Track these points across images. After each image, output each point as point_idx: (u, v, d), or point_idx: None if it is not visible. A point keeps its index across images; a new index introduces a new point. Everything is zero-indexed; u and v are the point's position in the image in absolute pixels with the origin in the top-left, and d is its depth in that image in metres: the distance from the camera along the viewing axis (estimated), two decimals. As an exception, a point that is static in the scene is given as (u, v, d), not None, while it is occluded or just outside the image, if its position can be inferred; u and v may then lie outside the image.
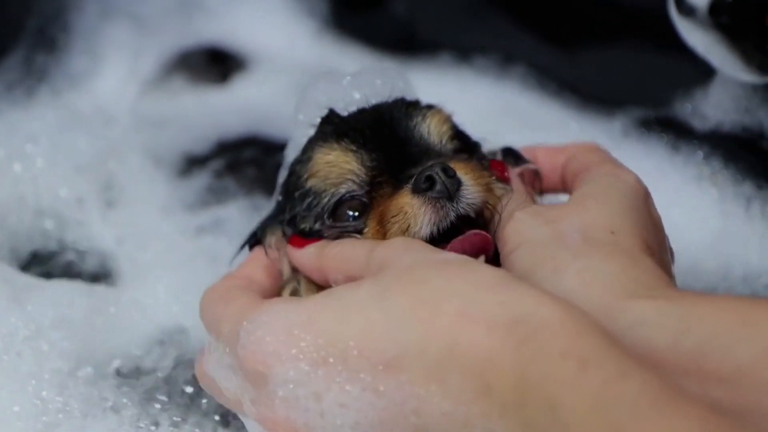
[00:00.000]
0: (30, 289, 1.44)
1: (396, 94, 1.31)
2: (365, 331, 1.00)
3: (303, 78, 1.96)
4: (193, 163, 1.77)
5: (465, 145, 1.30)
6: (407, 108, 1.28)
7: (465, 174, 1.18)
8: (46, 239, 1.60)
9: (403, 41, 2.09)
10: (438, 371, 0.96)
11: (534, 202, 1.26)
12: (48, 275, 1.53)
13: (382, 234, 1.18)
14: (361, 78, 1.33)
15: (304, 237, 1.24)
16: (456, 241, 1.15)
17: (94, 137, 1.73)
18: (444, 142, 1.26)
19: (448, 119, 1.29)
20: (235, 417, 1.26)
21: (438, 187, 1.15)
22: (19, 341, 1.35)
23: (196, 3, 2.10)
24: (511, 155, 1.33)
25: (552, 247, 1.09)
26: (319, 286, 1.19)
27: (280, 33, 2.12)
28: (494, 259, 1.16)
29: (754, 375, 0.94)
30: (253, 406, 1.07)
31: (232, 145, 1.81)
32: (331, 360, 1.01)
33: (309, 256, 1.20)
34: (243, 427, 1.18)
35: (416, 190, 1.16)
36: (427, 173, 1.15)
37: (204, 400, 1.32)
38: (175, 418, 1.30)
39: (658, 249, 1.15)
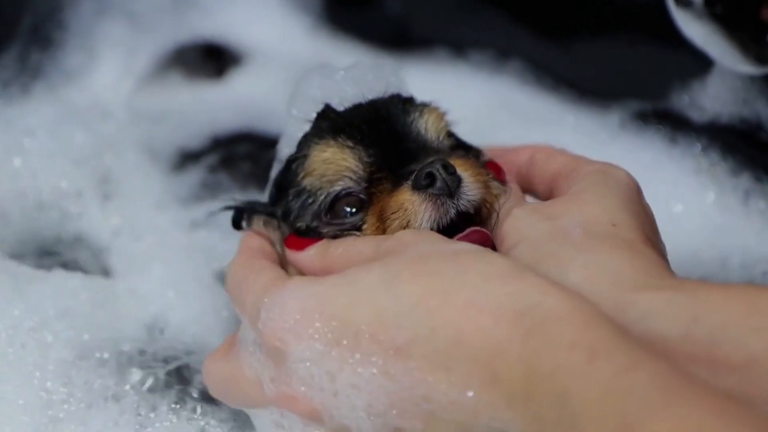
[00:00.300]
0: (32, 280, 1.45)
1: (389, 89, 1.30)
2: (376, 316, 1.01)
3: (298, 73, 1.96)
4: (187, 158, 1.77)
5: (460, 143, 1.29)
6: (404, 104, 1.27)
7: (464, 171, 1.18)
8: (45, 232, 1.60)
9: (397, 37, 2.09)
10: (445, 360, 0.97)
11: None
12: (47, 267, 1.53)
13: (382, 230, 1.18)
14: (355, 73, 1.32)
15: (300, 236, 1.23)
16: (455, 239, 1.15)
17: (90, 132, 1.73)
18: (441, 138, 1.26)
19: (444, 116, 1.28)
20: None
21: (438, 183, 1.15)
22: (23, 333, 1.35)
23: (191, -1, 2.10)
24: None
25: (554, 243, 1.09)
26: None
27: (274, 29, 2.12)
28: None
29: (766, 363, 0.94)
30: (272, 384, 1.08)
31: (226, 140, 1.81)
32: (345, 342, 1.02)
33: (311, 258, 1.19)
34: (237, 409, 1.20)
35: (416, 187, 1.16)
36: (428, 170, 1.15)
37: (201, 386, 1.33)
38: (173, 405, 1.30)
39: (655, 241, 1.15)
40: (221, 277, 1.44)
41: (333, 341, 1.02)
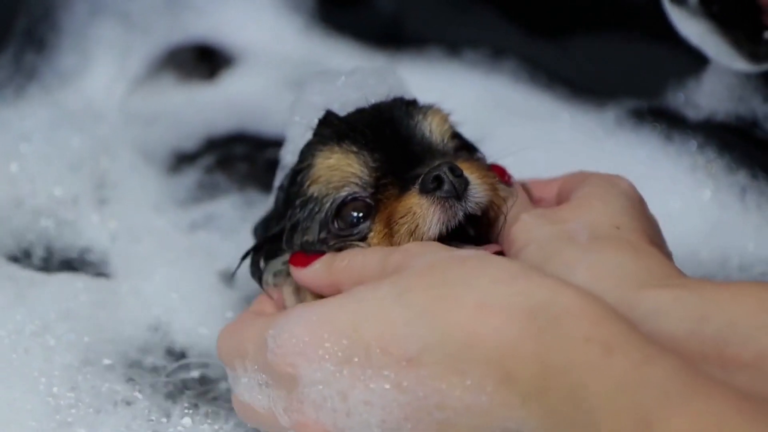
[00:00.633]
0: (33, 284, 1.45)
1: (391, 93, 1.30)
2: (386, 329, 1.01)
3: (291, 74, 1.97)
4: (182, 160, 1.77)
5: (464, 144, 1.29)
6: (407, 107, 1.27)
7: (471, 173, 1.18)
8: (44, 237, 1.60)
9: (390, 36, 2.09)
10: (458, 364, 0.97)
11: None
12: (48, 271, 1.53)
13: (390, 236, 1.18)
14: (356, 78, 1.32)
15: (305, 253, 1.22)
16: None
17: (85, 136, 1.73)
18: (445, 141, 1.26)
19: (447, 118, 1.28)
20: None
21: (446, 186, 1.15)
22: (26, 337, 1.35)
23: (184, 1, 2.09)
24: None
25: (560, 245, 1.10)
26: None
27: (267, 29, 2.12)
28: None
29: None
30: (285, 414, 1.08)
31: (221, 141, 1.80)
32: (356, 359, 1.02)
33: (317, 272, 1.18)
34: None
35: (424, 191, 1.16)
36: (435, 173, 1.15)
37: (214, 388, 1.33)
38: (186, 409, 1.29)
39: (660, 244, 1.16)
40: (224, 278, 1.45)
41: (344, 360, 1.03)
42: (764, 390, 0.93)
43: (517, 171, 1.32)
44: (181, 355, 1.39)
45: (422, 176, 1.16)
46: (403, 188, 1.18)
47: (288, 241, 1.26)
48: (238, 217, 1.58)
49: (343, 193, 1.21)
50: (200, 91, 1.96)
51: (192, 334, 1.42)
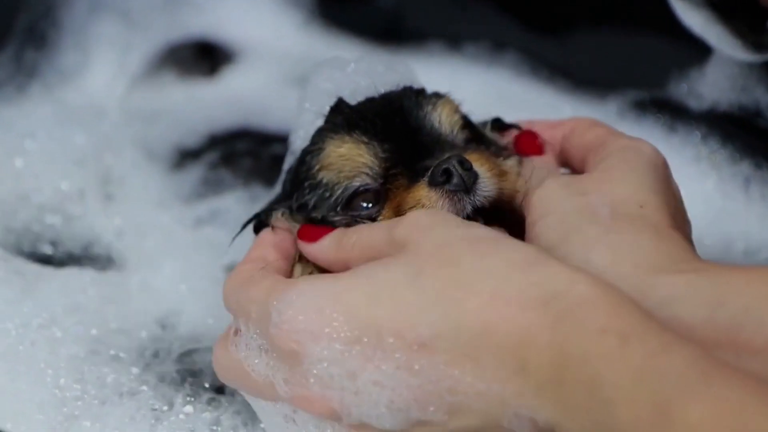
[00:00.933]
0: (40, 278, 1.45)
1: (401, 80, 1.30)
2: (398, 312, 1.00)
3: (292, 69, 1.97)
4: (186, 156, 1.77)
5: (475, 134, 1.29)
6: (417, 97, 1.27)
7: (481, 166, 1.17)
8: (50, 233, 1.59)
9: (391, 31, 2.09)
10: (472, 352, 0.96)
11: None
12: (54, 266, 1.53)
13: None
14: (366, 64, 1.32)
15: (313, 225, 1.22)
16: None
17: (88, 133, 1.72)
18: (455, 131, 1.25)
19: (458, 108, 1.28)
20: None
21: (455, 180, 1.14)
22: (33, 330, 1.35)
23: (183, -3, 2.10)
24: (498, 125, 1.34)
25: (581, 221, 1.09)
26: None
27: (267, 25, 2.12)
28: (518, 227, 1.16)
29: None
30: (286, 386, 1.06)
31: (224, 137, 1.80)
32: (365, 339, 1.01)
33: (326, 248, 1.17)
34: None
35: (433, 183, 1.15)
36: (444, 166, 1.14)
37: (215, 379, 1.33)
38: (188, 398, 1.29)
39: (681, 222, 1.15)
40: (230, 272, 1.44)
41: (353, 339, 1.01)
42: None
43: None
44: (186, 345, 1.39)
45: (431, 169, 1.16)
46: (412, 179, 1.18)
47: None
48: (243, 212, 1.57)
49: (356, 183, 1.21)
50: (201, 88, 1.96)
51: (199, 326, 1.42)
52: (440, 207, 1.15)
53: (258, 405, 1.16)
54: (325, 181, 1.22)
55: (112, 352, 1.35)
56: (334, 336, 1.01)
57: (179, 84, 1.97)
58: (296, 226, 1.23)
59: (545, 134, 1.30)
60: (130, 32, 2.01)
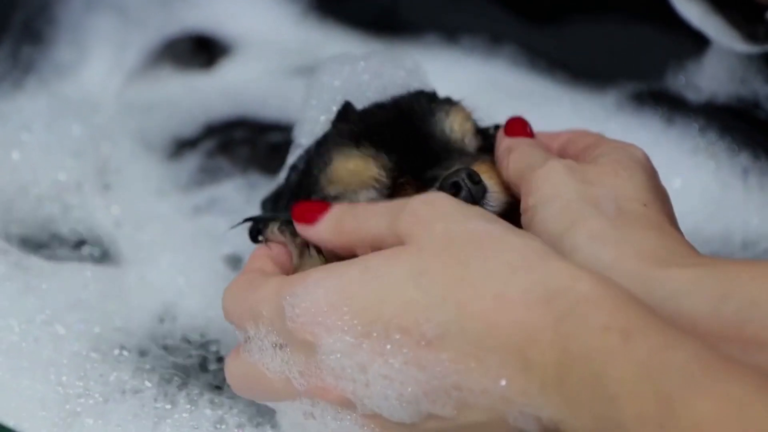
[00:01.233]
0: (42, 273, 1.45)
1: (408, 77, 1.29)
2: (405, 310, 1.00)
3: (289, 61, 1.97)
4: (183, 145, 1.76)
5: (486, 141, 1.28)
6: (428, 104, 1.26)
7: (490, 179, 1.17)
8: (49, 224, 1.60)
9: (387, 22, 2.08)
10: (477, 351, 0.96)
11: None
12: (54, 259, 1.53)
13: None
14: (373, 61, 1.31)
15: (307, 201, 1.20)
16: None
17: (85, 125, 1.72)
18: (467, 140, 1.25)
19: (470, 115, 1.27)
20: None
21: (463, 194, 1.13)
22: (36, 326, 1.35)
23: (179, -9, 2.09)
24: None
25: (586, 211, 1.08)
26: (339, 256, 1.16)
27: (263, 17, 2.12)
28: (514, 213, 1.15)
29: None
30: (302, 378, 1.07)
31: (221, 126, 1.79)
32: (375, 335, 1.01)
33: (325, 231, 1.15)
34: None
35: None
36: (453, 179, 1.14)
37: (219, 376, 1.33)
38: (192, 396, 1.29)
39: (673, 218, 1.16)
40: (231, 263, 1.45)
41: (363, 333, 1.02)
42: None
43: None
44: (188, 340, 1.39)
45: (440, 181, 1.15)
46: (420, 190, 1.17)
47: None
48: (242, 199, 1.58)
49: (362, 198, 1.20)
50: (198, 80, 1.96)
51: (200, 318, 1.42)
52: None
53: (277, 407, 1.17)
54: (333, 195, 1.21)
55: (114, 349, 1.35)
56: (346, 329, 1.02)
57: (176, 77, 1.97)
58: (295, 242, 1.23)
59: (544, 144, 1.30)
60: (127, 27, 2.01)
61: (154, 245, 1.54)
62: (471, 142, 1.25)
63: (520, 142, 1.23)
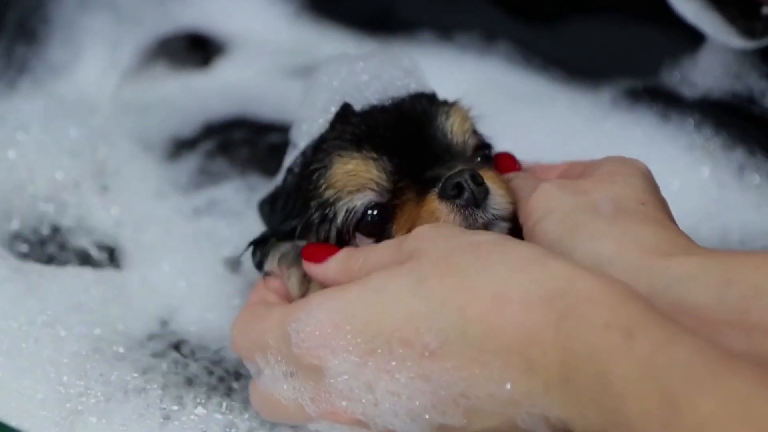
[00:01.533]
0: (42, 275, 1.45)
1: (407, 78, 1.29)
2: (406, 321, 1.01)
3: (286, 60, 1.97)
4: (182, 146, 1.75)
5: (482, 141, 1.28)
6: (428, 105, 1.26)
7: (492, 182, 1.17)
8: (47, 225, 1.59)
9: (382, 21, 2.08)
10: (480, 355, 0.97)
11: None
12: (54, 261, 1.53)
13: None
14: (372, 62, 1.31)
15: (319, 244, 1.22)
16: None
17: (81, 126, 1.72)
18: (466, 140, 1.25)
19: (469, 116, 1.27)
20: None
21: (466, 195, 1.14)
22: (37, 328, 1.35)
23: (173, -10, 2.09)
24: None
25: (585, 216, 1.10)
26: None
27: (258, 16, 2.12)
28: (516, 232, 1.16)
29: None
30: (313, 404, 1.09)
31: (220, 126, 1.78)
32: (379, 351, 1.02)
33: (332, 271, 1.17)
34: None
35: (443, 196, 1.15)
36: (456, 180, 1.14)
37: (227, 377, 1.33)
38: (199, 399, 1.29)
39: (675, 223, 1.16)
40: (231, 265, 1.44)
41: (367, 351, 1.03)
42: None
43: (516, 154, 1.31)
44: (191, 342, 1.39)
45: (443, 182, 1.15)
46: (421, 191, 1.17)
47: (301, 239, 1.25)
48: (242, 201, 1.57)
49: (362, 200, 1.20)
50: (195, 79, 1.96)
51: (201, 322, 1.42)
52: (452, 221, 1.14)
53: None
54: (331, 199, 1.21)
55: (115, 349, 1.35)
56: (350, 349, 1.04)
57: (172, 76, 1.97)
58: (294, 271, 1.23)
59: (543, 175, 1.30)
60: (121, 26, 2.01)
61: (155, 248, 1.54)
62: (469, 141, 1.25)
63: (511, 177, 1.24)
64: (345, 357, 1.03)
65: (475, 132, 1.27)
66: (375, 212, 1.20)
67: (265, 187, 1.39)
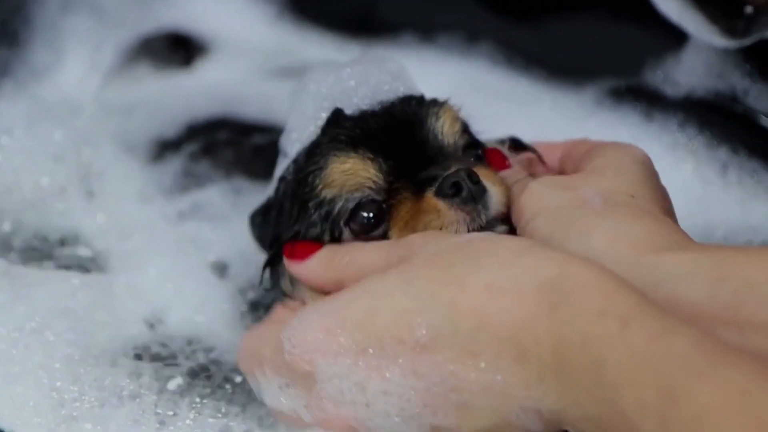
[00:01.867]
0: (31, 281, 1.44)
1: (394, 82, 1.29)
2: (397, 318, 1.01)
3: (267, 61, 1.97)
4: (166, 148, 1.75)
5: (472, 139, 1.29)
6: (418, 108, 1.26)
7: (488, 180, 1.17)
8: (34, 229, 1.58)
9: (364, 22, 2.08)
10: (472, 346, 0.97)
11: None
12: (42, 266, 1.52)
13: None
14: (359, 68, 1.31)
15: (299, 241, 1.22)
16: None
17: (65, 129, 1.71)
18: (456, 140, 1.25)
19: (459, 116, 1.28)
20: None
21: (464, 194, 1.14)
22: (26, 334, 1.34)
23: (154, -10, 2.09)
24: (515, 144, 1.34)
25: (576, 211, 1.10)
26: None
27: (239, 16, 2.12)
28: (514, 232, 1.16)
29: None
30: (308, 411, 1.08)
31: (203, 127, 1.77)
32: (370, 350, 1.02)
33: (314, 269, 1.18)
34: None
35: (441, 195, 1.15)
36: (454, 179, 1.14)
37: (219, 381, 1.33)
38: (194, 404, 1.28)
39: (672, 214, 1.16)
40: (218, 269, 1.44)
41: (358, 352, 1.03)
42: None
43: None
44: (181, 347, 1.38)
45: (440, 180, 1.16)
46: (417, 191, 1.18)
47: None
48: (227, 204, 1.57)
49: (357, 196, 1.20)
50: (177, 79, 1.96)
51: (189, 326, 1.41)
52: (452, 216, 1.15)
53: None
54: (328, 198, 1.21)
55: (105, 355, 1.34)
56: (341, 351, 1.03)
57: (154, 76, 1.96)
58: (308, 295, 1.23)
59: (546, 157, 1.32)
60: (103, 27, 2.00)
61: (141, 252, 1.53)
62: (460, 140, 1.25)
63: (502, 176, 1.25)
64: (336, 359, 1.03)
65: (465, 131, 1.27)
66: (371, 210, 1.19)
67: (251, 190, 1.39)
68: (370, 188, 1.20)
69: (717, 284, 0.98)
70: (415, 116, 1.25)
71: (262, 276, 1.28)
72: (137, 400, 1.27)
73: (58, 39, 1.96)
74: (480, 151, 1.27)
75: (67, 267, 1.52)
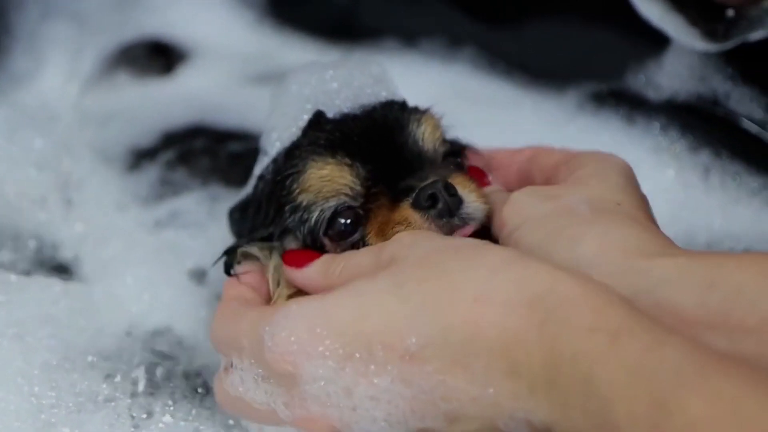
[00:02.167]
0: (10, 287, 1.44)
1: (376, 85, 1.29)
2: (387, 324, 1.00)
3: (247, 67, 1.96)
4: (142, 156, 1.74)
5: (453, 148, 1.28)
6: (399, 113, 1.26)
7: (464, 189, 1.17)
8: (14, 237, 1.57)
9: (345, 27, 2.08)
10: (462, 357, 0.96)
11: None
12: (24, 273, 1.51)
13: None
14: (342, 70, 1.31)
15: (300, 250, 1.21)
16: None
17: (44, 137, 1.71)
18: (437, 147, 1.25)
19: (440, 124, 1.27)
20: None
21: (440, 206, 1.14)
22: (8, 339, 1.34)
23: (134, -3, 2.08)
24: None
25: (562, 219, 1.09)
26: None
27: (219, 23, 2.11)
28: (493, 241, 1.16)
29: None
30: (287, 409, 1.07)
31: (180, 135, 1.77)
32: (357, 355, 1.01)
33: (312, 276, 1.16)
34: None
35: (417, 206, 1.15)
36: (430, 191, 1.14)
37: (194, 385, 1.33)
38: (167, 407, 1.28)
39: (654, 222, 1.16)
40: (195, 277, 1.43)
41: (345, 356, 1.01)
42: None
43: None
44: (158, 353, 1.38)
45: (417, 192, 1.16)
46: (395, 199, 1.18)
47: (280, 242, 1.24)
48: (204, 212, 1.56)
49: (333, 203, 1.19)
50: (155, 87, 1.95)
51: (167, 332, 1.41)
52: (427, 226, 1.15)
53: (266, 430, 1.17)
54: (304, 203, 1.21)
55: (84, 360, 1.34)
56: (327, 354, 1.02)
57: (133, 84, 1.96)
58: (274, 258, 1.22)
59: (507, 160, 1.31)
60: (82, 34, 2.00)
61: (119, 260, 1.53)
62: (440, 149, 1.25)
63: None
64: (321, 362, 1.02)
65: (445, 139, 1.26)
66: (348, 217, 1.19)
67: (227, 197, 1.38)
68: (346, 195, 1.19)
69: (707, 290, 0.97)
70: (396, 121, 1.24)
71: (217, 261, 1.27)
72: (112, 404, 1.27)
73: (38, 46, 1.95)
74: (460, 159, 1.27)
75: (47, 274, 1.52)
